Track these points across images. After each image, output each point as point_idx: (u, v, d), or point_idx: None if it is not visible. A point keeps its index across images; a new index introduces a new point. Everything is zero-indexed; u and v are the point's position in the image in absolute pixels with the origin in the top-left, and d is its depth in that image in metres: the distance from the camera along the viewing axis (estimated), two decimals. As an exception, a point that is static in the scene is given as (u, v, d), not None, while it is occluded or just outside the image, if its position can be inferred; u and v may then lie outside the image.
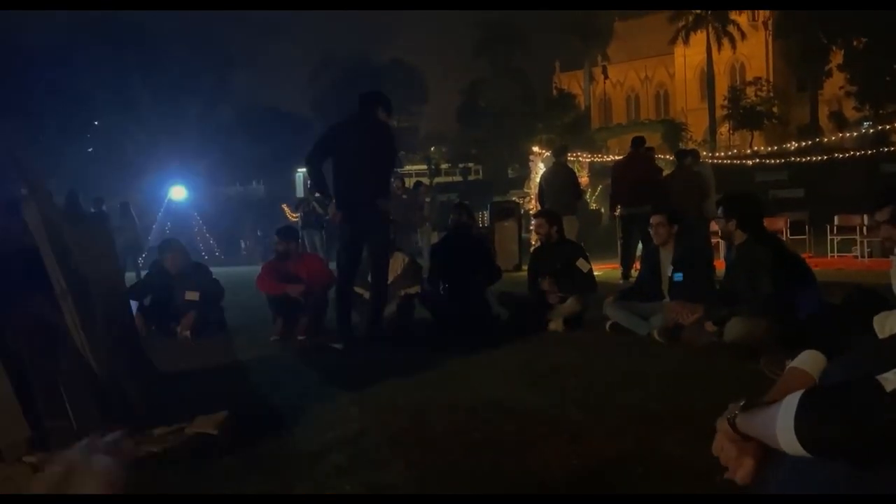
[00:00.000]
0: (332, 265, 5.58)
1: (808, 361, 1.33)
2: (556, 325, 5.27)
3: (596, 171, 21.75)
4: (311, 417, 3.06)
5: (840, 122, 32.25)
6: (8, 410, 2.43)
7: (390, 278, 5.25)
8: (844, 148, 21.78)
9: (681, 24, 42.89)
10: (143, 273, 8.82)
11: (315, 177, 5.02)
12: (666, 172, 10.01)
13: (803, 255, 5.91)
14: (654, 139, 24.10)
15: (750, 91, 39.46)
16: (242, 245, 22.95)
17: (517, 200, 16.00)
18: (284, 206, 18.89)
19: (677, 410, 2.92)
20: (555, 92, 45.36)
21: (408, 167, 34.48)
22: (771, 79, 44.69)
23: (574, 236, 8.08)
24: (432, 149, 43.65)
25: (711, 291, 4.61)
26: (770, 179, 19.81)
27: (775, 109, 39.13)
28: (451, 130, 45.03)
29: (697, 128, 42.13)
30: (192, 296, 5.70)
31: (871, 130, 23.34)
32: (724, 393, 3.08)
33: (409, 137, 40.09)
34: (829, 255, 11.43)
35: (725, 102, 39.72)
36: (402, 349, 4.69)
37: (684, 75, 54.60)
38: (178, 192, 21.55)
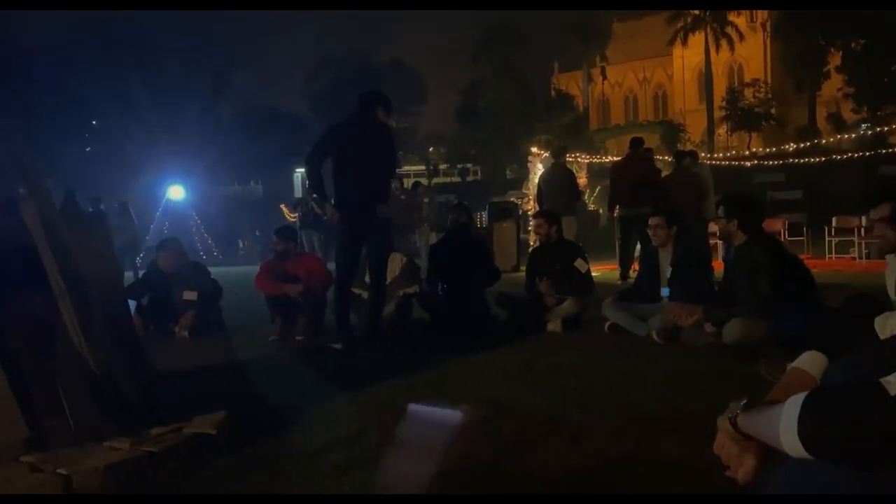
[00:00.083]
0: (331, 265, 5.58)
1: (810, 362, 1.33)
2: (554, 325, 5.27)
3: (594, 171, 21.77)
4: (309, 417, 3.05)
5: (838, 123, 32.30)
6: (6, 410, 2.42)
7: (388, 279, 5.24)
8: (842, 150, 21.80)
9: (679, 25, 42.96)
10: (141, 273, 8.80)
11: (313, 178, 5.00)
12: (664, 173, 10.02)
13: (801, 257, 5.91)
14: (652, 140, 24.15)
15: (748, 92, 39.53)
16: (240, 245, 22.94)
17: (516, 201, 16.00)
18: (283, 206, 18.89)
19: (677, 411, 2.92)
20: (553, 93, 45.40)
21: (406, 167, 34.51)
22: (769, 80, 44.76)
23: (573, 237, 8.08)
24: (431, 149, 43.68)
25: (710, 292, 4.61)
26: (768, 181, 19.82)
27: (773, 111, 39.19)
28: (449, 131, 45.04)
29: (696, 129, 42.17)
30: (190, 295, 5.70)
31: (870, 132, 23.39)
32: (724, 394, 3.06)
33: (408, 138, 40.07)
34: (827, 256, 11.44)
35: (723, 104, 39.78)
36: (400, 349, 4.69)
37: (682, 76, 54.69)
38: (176, 192, 21.52)
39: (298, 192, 19.73)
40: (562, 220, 6.07)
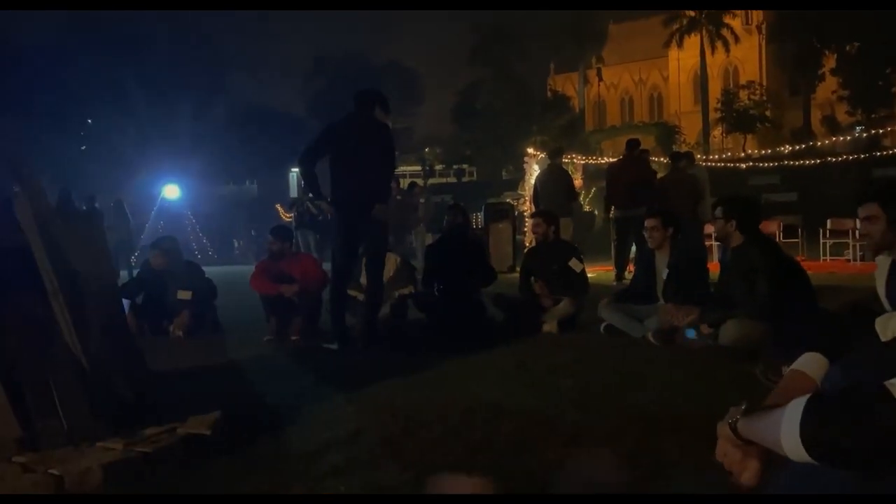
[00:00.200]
0: (326, 265, 5.56)
1: (810, 364, 1.32)
2: (550, 326, 5.26)
3: (590, 173, 21.77)
4: (305, 418, 3.04)
5: (832, 126, 32.46)
6: (-2, 409, 2.40)
7: (384, 279, 5.22)
8: (837, 152, 21.90)
9: (675, 27, 43.05)
10: (136, 272, 8.77)
11: (308, 178, 4.97)
12: (660, 175, 10.03)
13: (796, 259, 5.92)
14: (647, 142, 24.15)
15: (743, 94, 39.61)
16: (236, 244, 22.89)
17: (511, 202, 16.00)
18: (278, 206, 18.84)
19: (674, 413, 2.91)
20: (549, 94, 45.46)
21: (402, 168, 34.43)
22: (764, 82, 44.88)
23: (569, 238, 8.07)
24: (427, 150, 43.66)
25: (706, 294, 4.61)
26: (763, 183, 19.89)
27: (768, 113, 39.29)
28: (446, 132, 45.06)
29: (691, 131, 42.26)
30: (184, 295, 5.67)
31: (864, 135, 23.49)
32: (721, 395, 3.08)
33: (405, 138, 40.05)
34: (822, 258, 11.47)
35: (719, 106, 39.86)
36: (396, 350, 4.68)
37: (678, 78, 54.80)
38: (171, 191, 21.47)
39: (294, 192, 19.69)
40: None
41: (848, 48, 33.42)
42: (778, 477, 1.11)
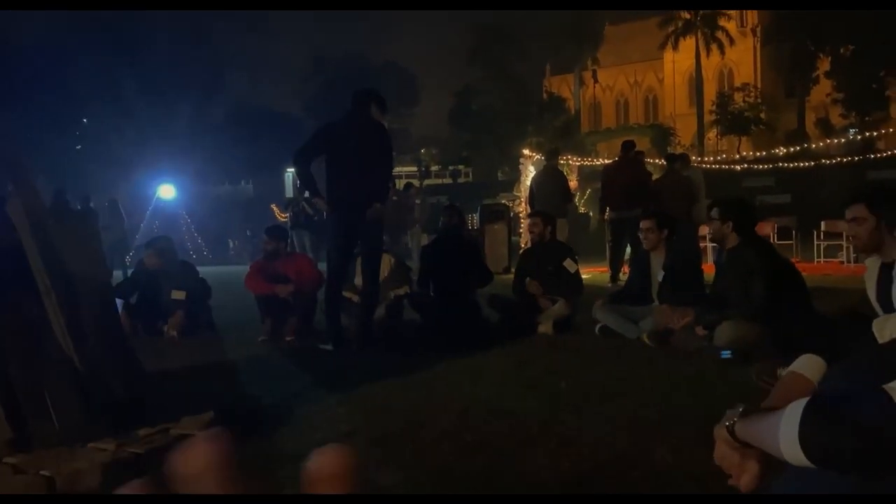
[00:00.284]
0: (322, 266, 5.54)
1: (808, 366, 1.31)
2: (545, 327, 5.26)
3: (585, 174, 21.80)
4: (299, 419, 3.03)
5: (827, 128, 32.56)
6: (-11, 410, 2.38)
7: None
8: (831, 154, 21.97)
9: (670, 29, 43.17)
10: (130, 271, 8.74)
11: (303, 176, 4.94)
12: (655, 177, 10.04)
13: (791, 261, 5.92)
14: (642, 143, 24.17)
15: (738, 97, 39.74)
16: (231, 245, 22.83)
17: (507, 203, 16.01)
18: (274, 206, 18.80)
19: (669, 414, 2.91)
20: (545, 96, 45.51)
21: (398, 169, 34.41)
22: (759, 85, 45.03)
23: (564, 239, 8.08)
24: (423, 151, 43.65)
25: (701, 295, 4.61)
26: (758, 185, 19.93)
27: (763, 115, 39.41)
28: (442, 133, 45.07)
29: (686, 133, 42.37)
30: (178, 295, 5.65)
31: (858, 137, 23.58)
32: (717, 397, 3.08)
33: (401, 139, 40.03)
34: (816, 260, 11.51)
35: (714, 108, 39.98)
36: (391, 351, 4.67)
37: (673, 80, 54.94)
38: (166, 191, 21.41)
39: (289, 192, 19.63)
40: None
41: (842, 51, 33.56)
42: (777, 477, 1.10)
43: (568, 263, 5.50)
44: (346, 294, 5.15)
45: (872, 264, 3.20)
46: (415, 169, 36.55)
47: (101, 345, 2.77)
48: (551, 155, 10.70)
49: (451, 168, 37.92)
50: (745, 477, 1.12)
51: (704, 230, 9.40)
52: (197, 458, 0.41)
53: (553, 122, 37.01)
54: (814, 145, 24.39)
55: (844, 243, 11.17)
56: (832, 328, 1.52)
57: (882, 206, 3.03)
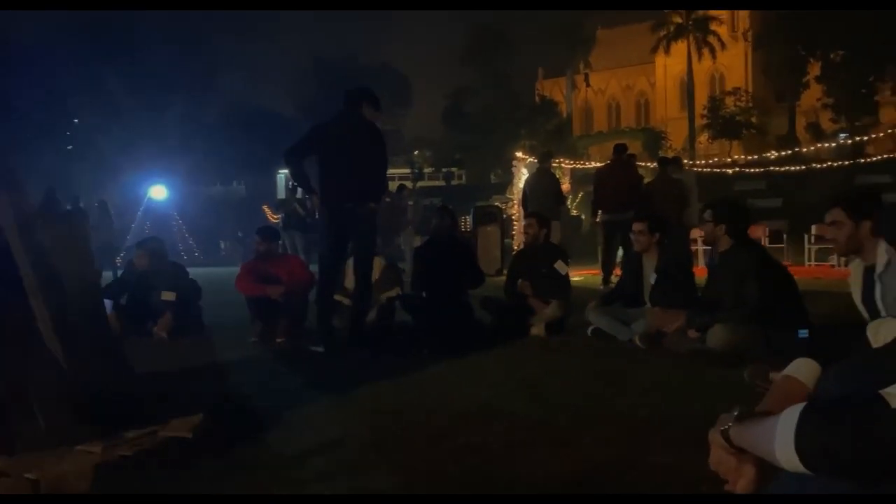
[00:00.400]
0: (313, 267, 5.51)
1: (803, 370, 1.30)
2: (538, 329, 5.25)
3: (577, 177, 21.85)
4: (290, 421, 3.00)
5: (817, 133, 32.74)
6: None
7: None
8: (821, 159, 22.11)
9: (662, 33, 43.38)
10: (120, 272, 8.68)
11: (296, 174, 4.90)
12: (646, 180, 10.07)
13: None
14: (634, 147, 24.23)
15: (729, 101, 39.93)
16: (222, 246, 22.76)
17: (500, 205, 16.02)
18: (266, 208, 18.75)
19: (663, 417, 2.90)
20: (538, 99, 45.61)
21: (392, 170, 34.38)
22: (750, 89, 45.23)
23: (557, 241, 8.08)
24: (416, 153, 43.65)
25: (693, 298, 4.61)
26: (749, 188, 20.03)
27: (754, 119, 39.62)
28: (435, 134, 45.07)
29: (677, 136, 42.55)
30: (168, 296, 5.61)
31: (848, 142, 23.73)
32: (708, 400, 3.08)
33: (394, 140, 40.02)
34: (807, 263, 11.57)
35: (705, 112, 40.16)
36: (383, 353, 4.64)
37: (665, 84, 55.16)
38: (158, 192, 21.31)
39: (282, 194, 19.58)
40: (548, 224, 6.05)
41: (832, 56, 33.77)
42: (775, 478, 1.09)
43: (559, 265, 5.50)
44: (337, 298, 5.12)
45: (856, 268, 3.22)
46: (408, 171, 36.52)
47: (88, 346, 2.73)
48: (544, 158, 10.71)
49: (444, 170, 37.95)
50: (742, 482, 1.11)
51: (696, 233, 9.47)
52: None
53: (545, 126, 37.08)
54: (804, 149, 24.54)
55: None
56: (827, 331, 1.51)
57: (859, 210, 3.05)
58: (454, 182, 36.43)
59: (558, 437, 2.67)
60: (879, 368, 1.05)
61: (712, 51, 42.01)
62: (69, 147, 27.15)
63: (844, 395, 0.99)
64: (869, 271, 3.09)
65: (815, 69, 35.50)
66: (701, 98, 42.99)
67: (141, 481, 2.27)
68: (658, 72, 55.09)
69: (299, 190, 11.57)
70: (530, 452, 2.49)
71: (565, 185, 16.54)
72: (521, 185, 11.36)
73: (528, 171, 12.33)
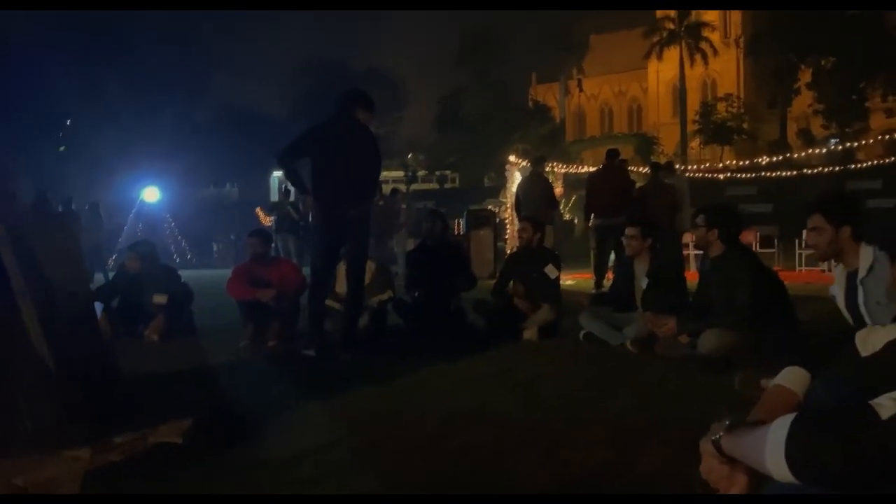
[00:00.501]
0: (307, 270, 5.50)
1: (793, 379, 1.30)
2: (530, 333, 5.25)
3: (570, 182, 21.90)
4: (281, 425, 2.99)
5: (808, 139, 32.98)
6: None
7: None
8: (812, 164, 22.26)
9: (655, 39, 43.60)
10: (112, 274, 8.64)
11: (289, 174, 4.87)
12: (638, 185, 10.10)
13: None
14: (626, 152, 24.40)
15: (721, 107, 40.17)
16: (215, 248, 22.64)
17: (493, 209, 16.04)
18: (259, 210, 18.69)
19: (654, 422, 2.90)
20: (531, 104, 45.74)
21: (385, 174, 34.39)
22: (741, 95, 45.52)
23: (550, 245, 8.09)
24: (410, 156, 43.67)
25: (685, 303, 4.62)
26: (740, 194, 20.15)
27: (745, 125, 39.87)
28: (429, 137, 45.11)
29: (669, 142, 42.75)
30: (160, 299, 5.58)
31: (839, 148, 23.89)
32: (701, 405, 3.08)
33: (387, 144, 40.02)
34: (798, 268, 11.62)
35: (697, 117, 40.35)
36: (375, 357, 4.62)
37: (657, 90, 55.41)
38: (150, 194, 21.19)
39: (275, 196, 19.52)
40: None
41: (823, 63, 34.03)
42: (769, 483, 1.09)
43: (549, 269, 5.50)
44: (329, 303, 5.10)
45: (840, 274, 3.24)
46: (402, 174, 36.53)
47: (77, 349, 2.72)
48: (537, 162, 10.73)
49: (437, 173, 37.99)
50: (733, 491, 1.11)
51: (688, 238, 9.50)
52: None
53: (539, 130, 37.19)
54: (795, 155, 24.69)
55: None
56: (816, 340, 1.51)
57: (839, 215, 3.07)
58: (447, 185, 36.48)
59: (549, 440, 2.66)
60: (868, 378, 1.06)
61: (704, 57, 42.24)
62: (62, 148, 27.02)
63: (834, 405, 1.00)
64: (851, 276, 3.11)
65: (806, 76, 35.77)
66: (693, 104, 43.22)
67: (129, 487, 2.25)
68: (650, 77, 55.35)
69: (292, 193, 11.53)
70: (521, 456, 2.49)
71: (558, 190, 16.56)
72: (515, 188, 11.36)
73: (522, 175, 12.33)
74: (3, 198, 2.69)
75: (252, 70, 70.78)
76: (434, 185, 36.53)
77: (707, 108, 40.56)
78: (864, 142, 26.31)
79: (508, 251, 12.11)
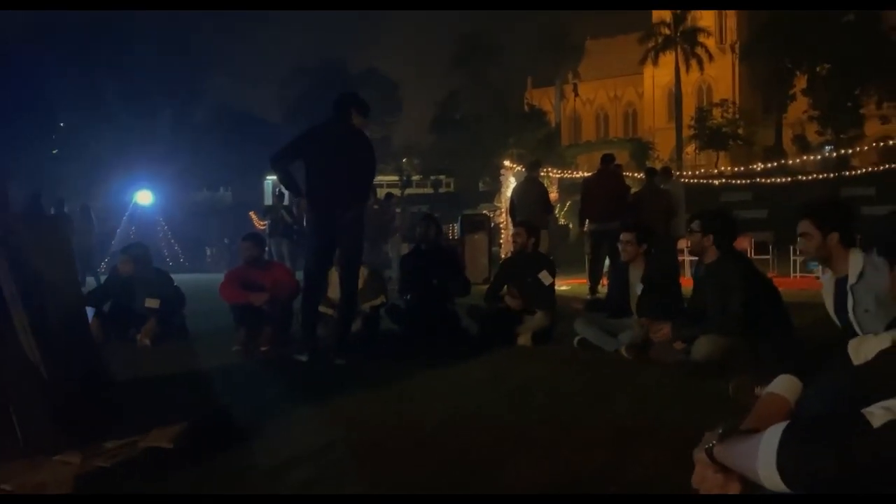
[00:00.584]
0: (300, 275, 5.48)
1: (786, 387, 1.30)
2: (524, 339, 5.25)
3: (565, 186, 21.96)
4: (273, 430, 2.97)
5: (803, 145, 33.08)
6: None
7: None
8: (807, 171, 22.33)
9: (650, 45, 43.77)
10: (103, 278, 8.59)
11: (283, 177, 4.86)
12: (633, 190, 10.12)
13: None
14: (622, 157, 24.43)
15: (716, 112, 40.34)
16: (208, 252, 22.60)
17: (488, 214, 16.05)
18: (252, 214, 18.66)
19: (648, 428, 2.89)
20: (526, 108, 45.84)
21: (380, 178, 34.41)
22: (737, 101, 45.73)
23: (544, 250, 8.09)
24: (405, 160, 43.68)
25: (679, 309, 4.62)
26: (735, 199, 20.19)
27: (741, 131, 40.03)
28: (424, 141, 45.15)
29: (664, 147, 42.90)
30: (152, 303, 5.56)
31: (834, 154, 24.00)
32: (695, 411, 3.08)
33: (382, 148, 40.03)
34: (792, 275, 11.64)
35: (692, 123, 40.49)
36: (368, 362, 4.61)
37: (653, 95, 55.62)
38: (144, 197, 21.14)
39: (268, 200, 19.53)
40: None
41: (818, 69, 34.20)
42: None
43: (543, 275, 5.50)
44: (322, 309, 5.08)
45: (828, 281, 3.25)
46: (396, 178, 36.54)
47: (68, 353, 2.70)
48: (532, 166, 10.74)
49: (432, 178, 38.01)
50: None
51: (683, 244, 9.51)
52: None
53: (534, 135, 37.26)
54: (790, 161, 24.79)
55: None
56: (810, 346, 1.51)
57: (827, 221, 3.09)
58: (442, 190, 36.50)
59: (543, 446, 2.66)
60: (860, 387, 1.05)
61: (700, 63, 42.43)
62: (55, 151, 26.93)
63: (826, 413, 0.99)
64: (841, 282, 3.12)
65: (801, 82, 35.94)
66: (688, 109, 43.39)
67: (120, 492, 2.23)
68: (646, 83, 55.56)
69: (286, 196, 11.54)
70: (514, 461, 2.48)
71: (553, 194, 16.60)
72: (509, 193, 11.38)
73: (517, 180, 12.36)
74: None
75: (247, 73, 70.84)
76: (429, 190, 36.54)
77: (702, 114, 40.71)
78: (858, 148, 26.44)
79: (503, 256, 12.12)
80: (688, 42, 42.69)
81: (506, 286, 5.57)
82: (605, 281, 8.22)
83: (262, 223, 14.81)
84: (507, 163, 16.27)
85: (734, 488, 1.10)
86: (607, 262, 8.74)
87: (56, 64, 23.08)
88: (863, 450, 0.88)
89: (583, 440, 2.73)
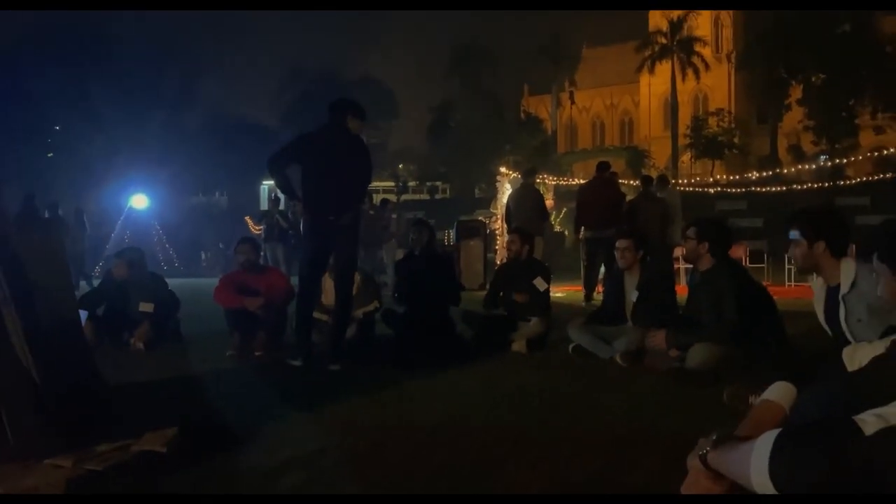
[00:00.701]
0: (294, 280, 5.46)
1: (780, 393, 1.30)
2: (519, 345, 5.24)
3: (561, 193, 22.00)
4: (266, 435, 2.95)
5: (798, 154, 33.27)
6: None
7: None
8: (802, 180, 22.44)
9: (647, 53, 43.97)
10: (97, 282, 8.56)
11: (279, 181, 4.84)
12: (629, 198, 10.14)
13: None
14: (617, 165, 24.53)
15: (712, 121, 40.51)
16: (203, 256, 22.54)
17: (483, 220, 16.06)
18: (248, 219, 18.63)
19: (642, 435, 2.89)
20: (523, 115, 45.95)
21: (375, 184, 34.42)
22: (733, 110, 45.95)
23: (540, 257, 8.09)
24: (401, 166, 43.72)
25: (674, 316, 4.62)
26: (730, 208, 20.27)
27: (736, 140, 40.20)
28: (420, 148, 45.18)
29: (660, 155, 43.03)
30: (146, 307, 5.53)
31: (828, 164, 24.12)
32: (689, 419, 3.07)
33: (378, 153, 40.02)
34: (787, 284, 11.66)
35: (688, 132, 40.65)
36: (362, 367, 4.60)
37: (649, 104, 55.87)
38: (139, 201, 21.09)
39: (264, 205, 19.49)
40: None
41: (814, 79, 34.40)
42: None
43: (538, 282, 5.49)
44: (316, 315, 5.06)
45: (819, 289, 3.26)
46: (392, 184, 36.55)
47: (60, 357, 2.68)
48: (528, 173, 10.76)
49: (428, 184, 38.04)
50: None
51: (679, 251, 9.53)
52: None
53: (530, 142, 37.36)
54: (785, 170, 24.91)
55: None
56: (804, 354, 1.52)
57: (814, 230, 3.09)
58: (438, 196, 36.53)
59: (536, 453, 2.65)
60: (854, 393, 1.05)
61: (696, 72, 42.63)
62: (50, 154, 26.86)
63: (819, 420, 0.99)
64: (832, 291, 3.11)
65: (796, 92, 36.14)
66: (684, 118, 43.58)
67: (112, 495, 2.22)
68: (642, 91, 55.81)
69: (282, 201, 11.52)
70: (507, 468, 2.47)
71: (549, 201, 16.63)
72: (505, 200, 11.39)
73: (512, 187, 12.37)
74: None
75: (242, 77, 70.86)
76: (425, 196, 36.56)
77: (698, 123, 40.89)
78: (853, 158, 26.58)
79: (498, 262, 12.11)
80: (684, 51, 42.90)
81: (515, 293, 5.53)
82: (600, 288, 8.23)
83: (257, 228, 14.78)
84: (503, 169, 16.30)
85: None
86: (603, 269, 8.75)
87: (50, 68, 23.05)
88: (856, 456, 0.88)
89: (576, 447, 2.73)
